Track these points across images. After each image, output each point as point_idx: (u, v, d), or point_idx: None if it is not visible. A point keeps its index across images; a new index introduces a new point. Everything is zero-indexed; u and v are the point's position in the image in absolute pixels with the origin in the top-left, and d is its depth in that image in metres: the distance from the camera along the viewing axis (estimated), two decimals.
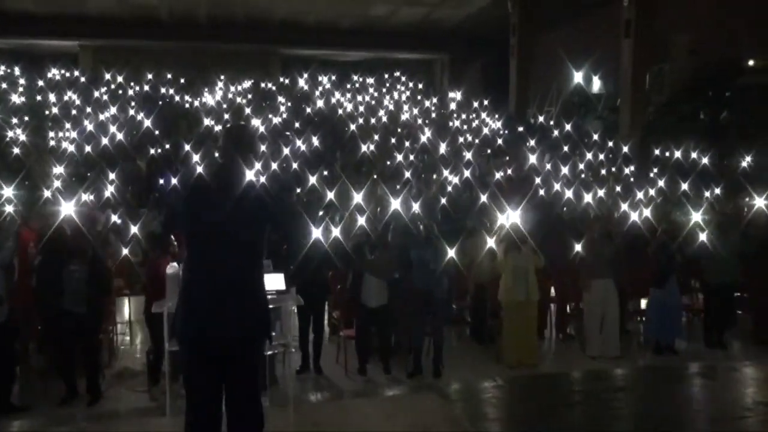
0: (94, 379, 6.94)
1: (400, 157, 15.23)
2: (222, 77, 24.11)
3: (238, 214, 3.53)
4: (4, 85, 22.06)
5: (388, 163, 15.66)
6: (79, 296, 6.79)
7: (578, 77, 21.09)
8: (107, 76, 23.30)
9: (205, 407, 3.58)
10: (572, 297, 9.40)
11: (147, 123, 17.25)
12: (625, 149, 16.42)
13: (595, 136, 18.00)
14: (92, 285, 6.90)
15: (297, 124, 18.93)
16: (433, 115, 22.27)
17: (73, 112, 19.18)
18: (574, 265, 8.80)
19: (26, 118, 17.28)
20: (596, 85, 21.31)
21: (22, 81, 22.76)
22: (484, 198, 10.53)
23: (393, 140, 17.32)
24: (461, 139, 18.33)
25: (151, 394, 7.05)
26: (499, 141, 18.31)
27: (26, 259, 7.61)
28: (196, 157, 13.27)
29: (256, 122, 17.92)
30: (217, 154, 3.90)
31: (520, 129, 19.69)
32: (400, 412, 6.18)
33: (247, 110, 19.74)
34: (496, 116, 21.43)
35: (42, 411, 6.58)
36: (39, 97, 20.73)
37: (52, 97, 20.42)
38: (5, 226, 7.40)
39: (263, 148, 14.79)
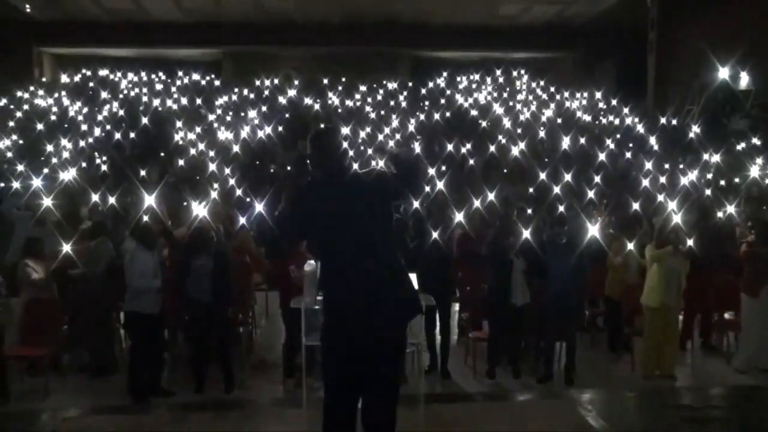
0: (228, 369, 7.27)
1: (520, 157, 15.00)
2: (353, 80, 24.65)
3: (360, 200, 3.58)
4: (144, 90, 23.75)
5: (517, 162, 15.43)
6: (206, 289, 7.12)
7: (724, 72, 19.75)
8: (249, 80, 24.50)
9: (343, 410, 3.67)
10: (719, 306, 8.86)
11: (280, 127, 18.01)
12: None
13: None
14: (217, 278, 7.19)
15: (427, 125, 19.04)
16: (566, 114, 21.68)
17: (214, 116, 20.29)
18: (725, 273, 8.30)
19: (180, 123, 18.42)
20: (744, 80, 19.88)
21: (172, 88, 24.37)
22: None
23: (522, 142, 16.99)
24: (595, 139, 17.73)
25: (285, 386, 7.34)
26: (652, 141, 17.48)
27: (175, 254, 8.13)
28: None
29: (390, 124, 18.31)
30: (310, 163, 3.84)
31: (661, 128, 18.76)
32: (529, 418, 6.08)
33: (373, 113, 20.13)
34: (633, 116, 20.54)
35: (186, 396, 7.01)
36: (185, 101, 22.11)
37: (198, 102, 21.76)
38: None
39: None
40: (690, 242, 7.90)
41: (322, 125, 13.97)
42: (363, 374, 3.60)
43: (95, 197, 10.54)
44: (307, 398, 5.85)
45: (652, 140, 17.54)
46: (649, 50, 21.76)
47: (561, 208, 9.46)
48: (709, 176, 13.86)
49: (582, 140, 17.03)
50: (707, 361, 8.61)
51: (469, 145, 16.10)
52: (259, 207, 9.27)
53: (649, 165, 14.53)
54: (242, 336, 8.33)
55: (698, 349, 8.91)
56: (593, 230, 8.31)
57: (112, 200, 10.39)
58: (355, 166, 3.78)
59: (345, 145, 3.98)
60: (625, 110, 20.84)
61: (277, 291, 7.98)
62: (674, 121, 19.05)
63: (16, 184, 11.87)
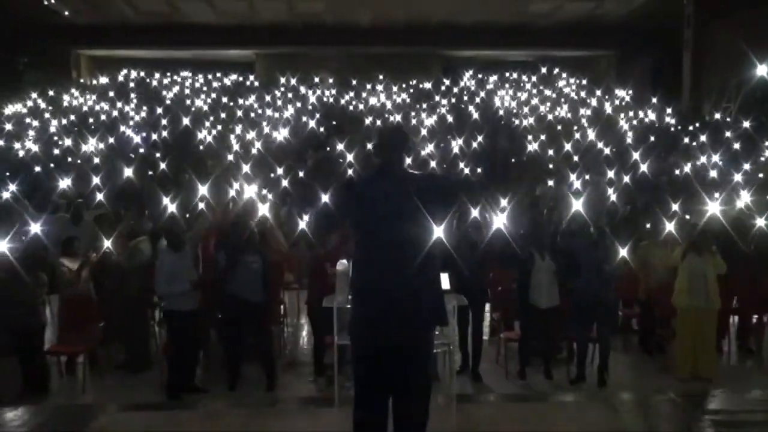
0: (271, 366, 7.32)
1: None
2: (384, 80, 24.70)
3: (405, 200, 3.59)
4: (187, 91, 24.10)
5: (551, 162, 15.32)
6: (256, 287, 7.19)
7: (761, 69, 19.31)
8: (282, 81, 24.72)
9: (372, 408, 3.68)
10: (756, 308, 8.67)
11: (321, 126, 18.17)
12: None
13: None
14: (265, 277, 7.27)
15: (458, 124, 18.99)
16: (599, 113, 21.43)
17: (251, 115, 20.50)
18: (761, 274, 8.14)
19: (208, 122, 18.63)
20: None
21: (205, 88, 24.71)
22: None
23: (564, 141, 16.84)
24: (629, 139, 17.51)
25: (316, 384, 7.39)
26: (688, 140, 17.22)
27: (209, 253, 8.22)
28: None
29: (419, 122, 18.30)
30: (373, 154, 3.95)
31: (694, 126, 18.47)
32: (561, 420, 6.03)
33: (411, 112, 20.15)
34: (669, 113, 20.25)
35: (219, 394, 7.07)
36: (221, 100, 22.36)
37: (230, 102, 22.01)
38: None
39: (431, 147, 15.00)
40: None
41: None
42: (391, 374, 3.61)
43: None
44: (338, 397, 5.87)
45: (688, 138, 17.28)
46: (685, 47, 21.41)
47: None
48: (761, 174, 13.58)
49: (614, 138, 16.83)
50: (744, 364, 8.45)
51: (499, 144, 16.02)
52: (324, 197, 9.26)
53: (687, 167, 14.32)
54: (275, 334, 8.39)
55: (735, 352, 8.74)
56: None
57: (166, 201, 10.52)
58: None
59: (412, 145, 4.05)
60: (668, 110, 20.55)
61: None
62: (717, 116, 18.74)
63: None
